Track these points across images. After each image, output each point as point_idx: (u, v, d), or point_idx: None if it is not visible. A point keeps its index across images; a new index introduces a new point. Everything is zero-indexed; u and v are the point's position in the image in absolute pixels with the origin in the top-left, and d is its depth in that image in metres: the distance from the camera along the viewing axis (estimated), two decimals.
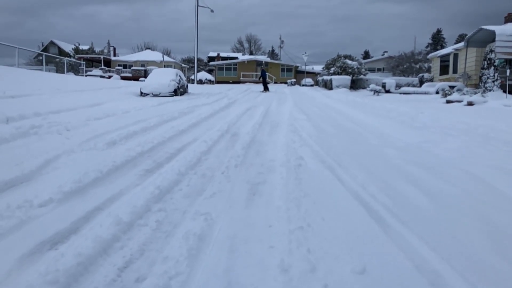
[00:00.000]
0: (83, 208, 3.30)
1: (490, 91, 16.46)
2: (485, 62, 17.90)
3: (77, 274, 2.30)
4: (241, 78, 49.85)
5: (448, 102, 15.41)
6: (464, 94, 15.75)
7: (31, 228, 2.89)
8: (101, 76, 36.04)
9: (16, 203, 3.24)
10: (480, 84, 18.03)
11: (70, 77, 22.63)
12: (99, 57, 50.20)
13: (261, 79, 27.19)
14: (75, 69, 37.82)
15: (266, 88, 26.01)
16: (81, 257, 2.43)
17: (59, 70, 35.13)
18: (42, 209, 3.24)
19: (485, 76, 17.51)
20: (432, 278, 2.30)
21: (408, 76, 36.97)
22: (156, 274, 2.35)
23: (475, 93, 15.66)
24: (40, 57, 32.60)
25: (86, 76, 34.45)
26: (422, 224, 3.06)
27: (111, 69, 46.19)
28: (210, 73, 52.08)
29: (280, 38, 66.86)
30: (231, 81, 48.56)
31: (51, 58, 37.80)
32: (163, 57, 52.44)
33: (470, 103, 13.57)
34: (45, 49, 55.91)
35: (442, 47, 55.45)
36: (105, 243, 2.68)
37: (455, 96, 15.74)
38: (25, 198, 3.35)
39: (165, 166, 4.88)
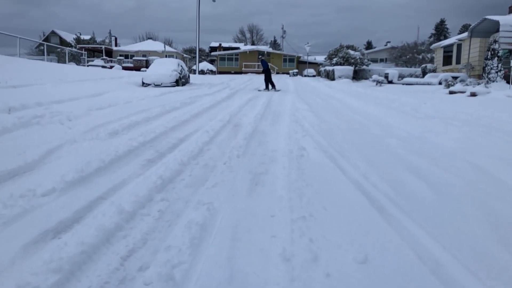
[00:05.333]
0: (86, 198, 3.31)
1: (493, 81, 16.38)
2: (489, 53, 17.78)
3: (80, 262, 2.32)
4: (243, 69, 49.69)
5: (451, 92, 15.33)
6: (467, 84, 15.66)
7: (34, 217, 2.90)
8: (103, 66, 35.99)
9: (19, 192, 3.25)
10: (484, 74, 17.93)
11: (71, 67, 22.58)
12: (101, 47, 50.11)
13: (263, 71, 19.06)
14: (76, 59, 37.76)
15: (272, 85, 18.19)
16: (84, 245, 2.44)
17: (61, 60, 35.06)
18: (45, 198, 3.25)
19: (489, 67, 17.41)
20: (434, 267, 2.31)
21: (411, 67, 36.78)
22: (159, 263, 2.36)
23: (478, 83, 15.57)
24: (42, 47, 32.48)
25: (87, 66, 34.38)
26: (424, 213, 3.06)
27: (113, 59, 46.11)
28: (212, 63, 51.89)
29: (282, 28, 66.53)
30: (232, 72, 48.42)
31: (53, 48, 37.71)
32: (164, 47, 52.28)
33: (473, 94, 13.50)
34: (46, 39, 55.74)
35: (446, 37, 55.10)
36: (108, 232, 2.69)
37: (458, 86, 15.66)
38: (28, 187, 3.36)
39: (167, 156, 4.88)
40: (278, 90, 18.03)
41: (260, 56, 19.91)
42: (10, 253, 2.39)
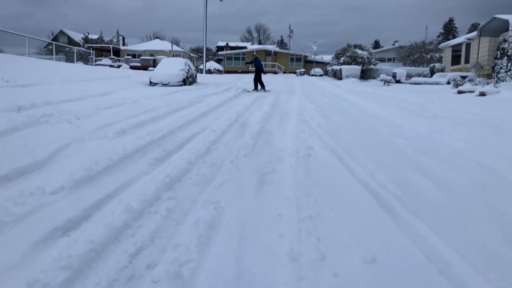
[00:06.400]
0: (94, 196, 3.34)
1: (503, 81, 16.22)
2: (498, 52, 17.61)
3: (89, 260, 2.33)
4: (250, 68, 49.61)
5: (459, 92, 15.20)
6: (476, 84, 15.52)
7: (44, 215, 2.93)
8: (111, 66, 36.16)
9: (28, 190, 3.28)
10: (493, 74, 17.77)
11: (79, 66, 22.73)
12: (108, 47, 50.37)
13: (253, 68, 17.71)
14: (84, 59, 38.01)
15: (261, 85, 17.00)
16: (93, 243, 2.46)
17: (69, 59, 35.34)
18: (54, 196, 3.28)
19: (498, 66, 17.25)
20: (442, 267, 2.30)
21: (419, 66, 36.55)
22: (167, 261, 2.37)
23: (488, 83, 15.43)
24: (50, 47, 32.80)
25: (95, 65, 34.59)
26: (433, 214, 3.04)
27: (120, 58, 46.34)
28: (219, 63, 51.95)
29: (290, 27, 66.43)
30: (239, 71, 48.42)
31: (61, 47, 38.01)
32: (172, 46, 52.40)
33: (482, 94, 13.37)
34: (55, 39, 56.15)
35: (454, 36, 54.68)
36: (116, 230, 2.71)
37: (466, 86, 15.52)
38: (38, 185, 3.39)
39: (175, 155, 4.91)
40: (255, 91, 16.61)
41: (254, 54, 19.09)
42: (20, 250, 2.41)
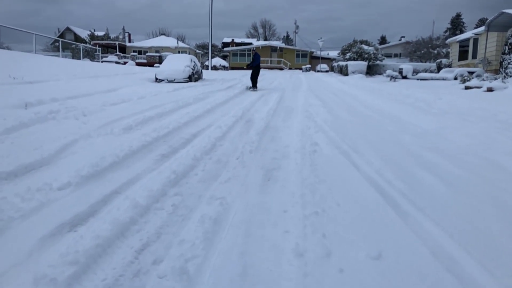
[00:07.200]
0: (100, 192, 3.36)
1: (511, 77, 16.05)
2: (506, 47, 17.43)
3: (96, 255, 2.35)
4: None
5: (466, 88, 15.08)
6: (483, 80, 15.37)
7: (51, 211, 2.95)
8: (117, 62, 36.24)
9: (36, 186, 3.31)
10: (501, 69, 17.59)
11: (86, 63, 22.81)
12: (114, 43, 50.47)
13: (250, 65, 16.17)
14: (90, 55, 38.11)
15: (254, 84, 15.51)
16: (100, 239, 2.48)
17: (75, 56, 35.47)
18: (61, 192, 3.30)
19: (506, 62, 17.07)
20: (449, 264, 2.28)
21: (425, 62, 36.26)
22: (172, 257, 2.39)
23: (495, 79, 15.28)
24: (57, 43, 32.95)
25: (101, 62, 34.69)
26: (439, 210, 3.02)
27: (126, 55, 46.39)
28: (225, 59, 51.87)
29: (295, 23, 66.08)
30: (245, 67, 48.31)
31: (67, 44, 38.10)
32: (177, 43, 52.41)
33: (489, 89, 13.24)
34: (61, 36, 56.36)
35: (462, 32, 54.16)
36: (122, 226, 2.73)
37: (474, 82, 15.38)
38: (45, 181, 3.42)
39: (181, 151, 4.92)
40: (252, 89, 15.30)
41: (253, 48, 18.33)
42: (28, 245, 2.43)
